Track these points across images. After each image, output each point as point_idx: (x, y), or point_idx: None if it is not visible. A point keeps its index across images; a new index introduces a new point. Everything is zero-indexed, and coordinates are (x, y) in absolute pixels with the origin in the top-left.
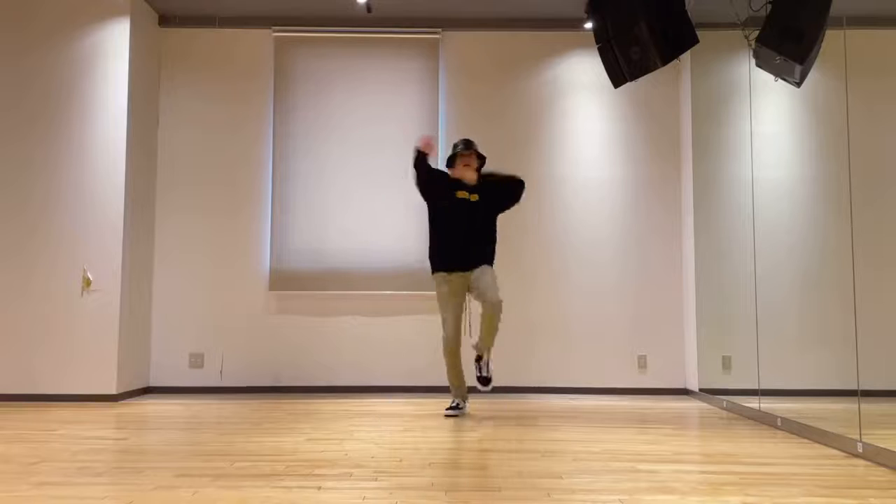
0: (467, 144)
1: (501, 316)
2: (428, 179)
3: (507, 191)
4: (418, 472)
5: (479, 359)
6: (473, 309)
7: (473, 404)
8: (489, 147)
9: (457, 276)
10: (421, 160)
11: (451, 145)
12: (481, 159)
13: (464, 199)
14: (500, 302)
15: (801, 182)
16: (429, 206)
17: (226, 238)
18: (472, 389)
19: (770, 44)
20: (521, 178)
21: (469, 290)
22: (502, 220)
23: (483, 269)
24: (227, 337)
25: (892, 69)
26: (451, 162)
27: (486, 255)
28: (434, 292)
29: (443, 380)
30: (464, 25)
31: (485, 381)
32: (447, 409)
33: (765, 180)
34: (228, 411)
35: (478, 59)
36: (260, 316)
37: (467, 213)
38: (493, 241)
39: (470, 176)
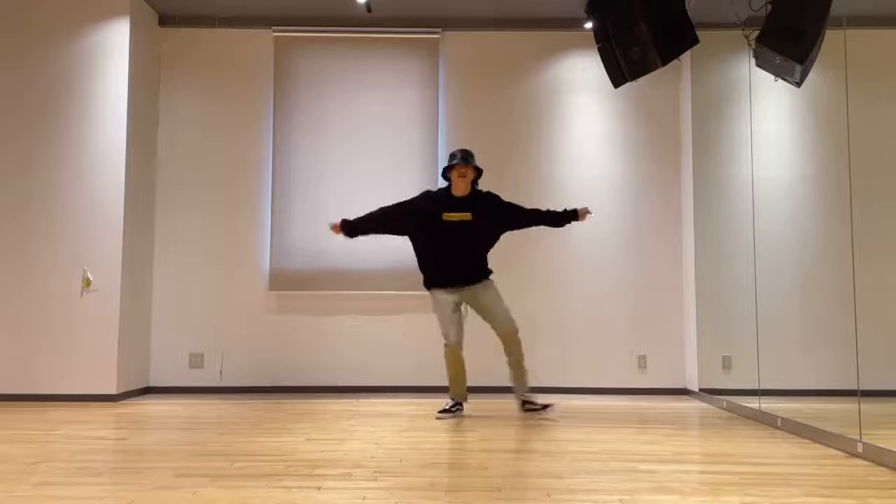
0: (465, 157)
1: (522, 348)
2: (398, 226)
3: (517, 217)
4: (418, 472)
5: (526, 404)
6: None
7: (474, 404)
8: (489, 146)
9: (453, 292)
10: (353, 228)
11: (449, 154)
12: (478, 171)
13: (451, 221)
14: (517, 330)
15: (801, 182)
16: (410, 236)
17: (226, 238)
18: (472, 389)
19: (770, 44)
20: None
21: (473, 307)
22: None
23: (485, 290)
24: (227, 337)
25: (892, 69)
26: (446, 173)
27: (481, 269)
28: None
29: (443, 379)
30: (464, 25)
31: (544, 407)
32: (440, 410)
33: (765, 180)
34: (228, 411)
35: (478, 59)
36: (260, 316)
37: (458, 234)
38: (484, 255)
39: (463, 187)
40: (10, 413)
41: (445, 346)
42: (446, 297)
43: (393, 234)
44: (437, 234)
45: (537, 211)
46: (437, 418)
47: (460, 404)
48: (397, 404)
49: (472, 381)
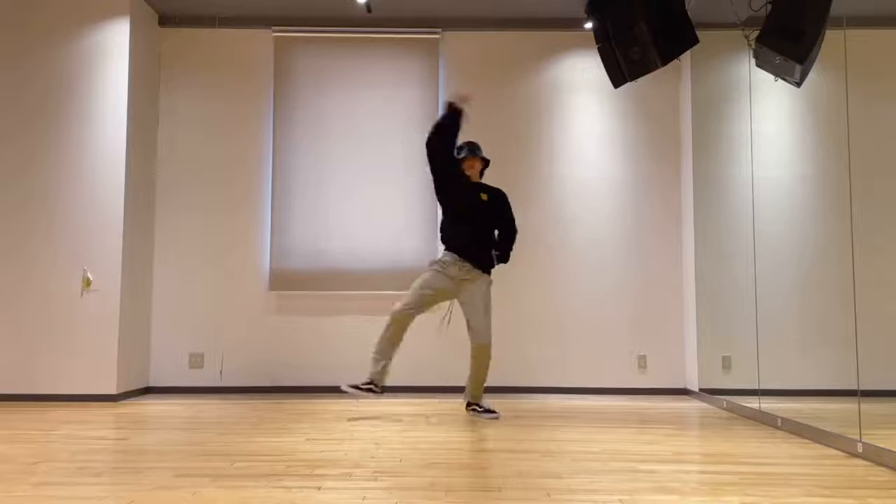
0: (472, 150)
1: (489, 361)
2: (445, 162)
3: (505, 224)
4: (418, 472)
5: (472, 406)
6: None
7: None
8: (489, 147)
9: (459, 273)
10: (447, 127)
11: (457, 148)
12: (485, 162)
13: (472, 198)
14: (489, 346)
15: (801, 182)
16: (440, 189)
17: (226, 238)
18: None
19: (770, 44)
20: (516, 230)
21: (458, 301)
22: None
23: (483, 286)
24: (227, 337)
25: (891, 69)
26: (455, 166)
27: (486, 257)
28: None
29: (442, 379)
30: (464, 25)
31: (490, 410)
32: (352, 385)
33: (765, 180)
34: (228, 411)
35: (478, 59)
36: (260, 316)
37: (476, 209)
38: (492, 244)
39: (472, 175)
40: (10, 413)
41: (400, 311)
42: (446, 274)
43: (442, 167)
44: (460, 199)
45: (507, 235)
46: (343, 390)
47: (376, 388)
48: (397, 404)
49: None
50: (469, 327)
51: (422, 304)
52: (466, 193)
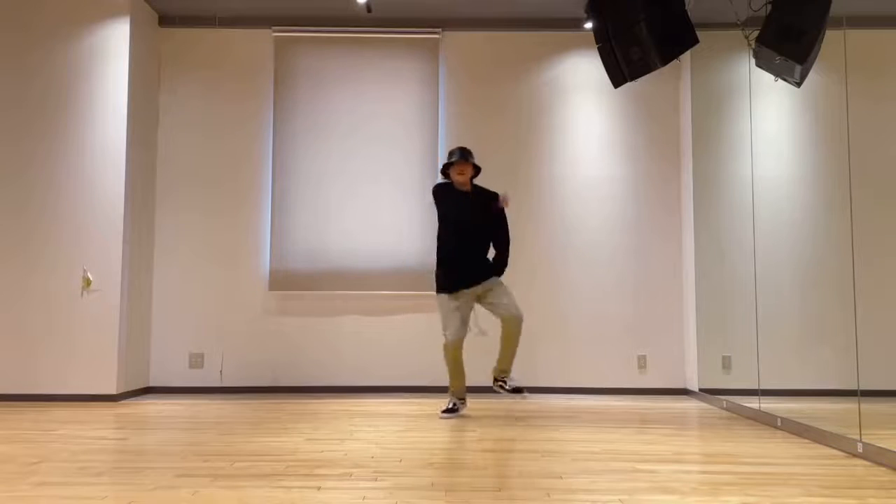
0: (463, 155)
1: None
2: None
3: (498, 235)
4: (418, 472)
5: (499, 381)
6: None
7: (473, 404)
8: (489, 147)
9: (462, 293)
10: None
11: (448, 152)
12: (476, 169)
13: (464, 195)
14: (522, 316)
15: (800, 181)
16: (439, 217)
17: (226, 238)
18: (472, 389)
19: (770, 44)
20: (509, 241)
21: (480, 303)
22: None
23: (495, 289)
24: (227, 337)
25: (891, 69)
26: (445, 170)
27: (487, 266)
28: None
29: (442, 379)
30: (464, 25)
31: (517, 390)
32: (443, 410)
33: (765, 179)
34: (228, 411)
35: (478, 59)
36: (260, 316)
37: (469, 208)
38: (502, 240)
39: (463, 180)
40: (11, 413)
41: (446, 342)
42: (453, 298)
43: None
44: (453, 208)
45: (500, 244)
46: (440, 418)
47: (461, 401)
48: (397, 404)
49: (472, 382)
50: (501, 313)
51: (457, 324)
52: (454, 213)
